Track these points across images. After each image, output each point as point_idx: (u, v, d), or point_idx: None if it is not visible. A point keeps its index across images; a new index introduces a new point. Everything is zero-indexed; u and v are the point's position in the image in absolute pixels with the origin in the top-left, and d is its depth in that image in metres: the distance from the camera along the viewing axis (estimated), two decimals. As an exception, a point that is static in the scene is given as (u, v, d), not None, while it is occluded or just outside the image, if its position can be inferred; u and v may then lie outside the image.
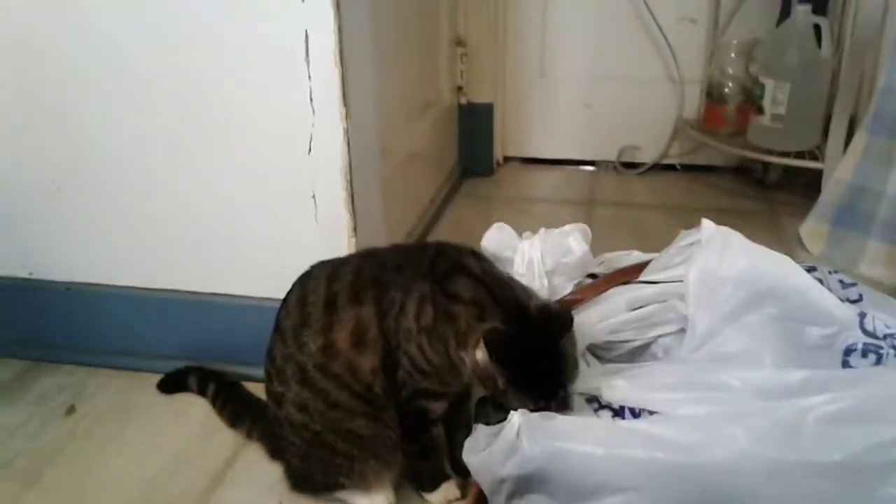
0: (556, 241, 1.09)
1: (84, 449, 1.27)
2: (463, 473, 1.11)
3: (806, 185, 2.22)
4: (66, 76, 1.32)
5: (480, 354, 0.95)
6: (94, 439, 1.29)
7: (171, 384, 1.40)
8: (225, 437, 1.29)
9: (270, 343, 1.11)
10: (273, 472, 1.19)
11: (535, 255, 1.10)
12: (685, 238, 1.07)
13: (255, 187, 1.33)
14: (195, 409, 1.35)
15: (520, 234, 1.13)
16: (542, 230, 1.12)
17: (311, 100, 1.25)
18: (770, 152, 2.09)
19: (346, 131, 1.26)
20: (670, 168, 2.46)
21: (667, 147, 2.41)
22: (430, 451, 1.10)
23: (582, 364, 1.03)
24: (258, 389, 1.33)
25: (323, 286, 1.07)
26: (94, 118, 1.34)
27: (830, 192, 1.87)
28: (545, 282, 1.09)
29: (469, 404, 1.15)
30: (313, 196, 1.31)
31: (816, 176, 2.09)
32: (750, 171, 2.34)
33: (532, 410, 0.95)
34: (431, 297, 1.01)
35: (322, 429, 1.06)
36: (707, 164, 2.43)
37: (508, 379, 0.95)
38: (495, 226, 1.14)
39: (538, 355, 0.95)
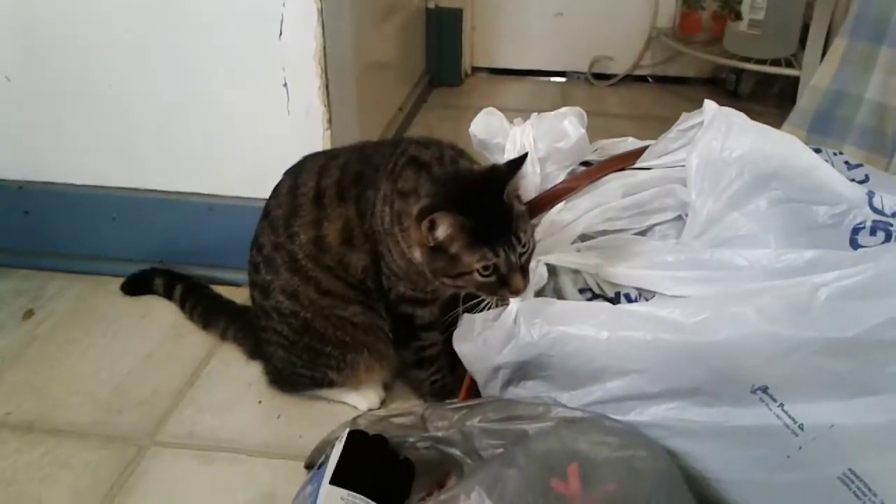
0: (550, 125, 1.03)
1: (46, 352, 1.20)
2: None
3: (779, 96, 2.20)
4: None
5: (422, 233, 0.88)
6: (56, 343, 1.22)
7: (136, 286, 1.33)
8: (197, 338, 1.23)
9: (257, 232, 1.05)
10: (251, 371, 1.15)
11: (528, 140, 1.04)
12: (685, 121, 1.02)
13: (222, 75, 1.24)
14: (163, 311, 1.29)
15: (511, 121, 1.07)
16: (535, 114, 1.05)
17: (283, -23, 1.16)
18: (746, 60, 2.06)
19: (321, 12, 1.18)
20: (642, 80, 2.41)
21: (639, 57, 2.35)
22: (424, 360, 1.05)
23: (574, 246, 0.99)
24: (226, 292, 1.28)
25: (314, 178, 1.01)
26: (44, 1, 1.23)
27: (807, 99, 1.83)
28: (538, 169, 1.04)
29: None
30: (285, 84, 1.23)
31: (789, 86, 2.08)
32: (723, 81, 2.30)
33: (491, 284, 0.89)
34: (390, 198, 0.96)
35: (313, 316, 1.01)
36: (680, 76, 2.39)
37: (462, 228, 0.86)
38: (484, 111, 1.07)
39: (483, 206, 0.88)
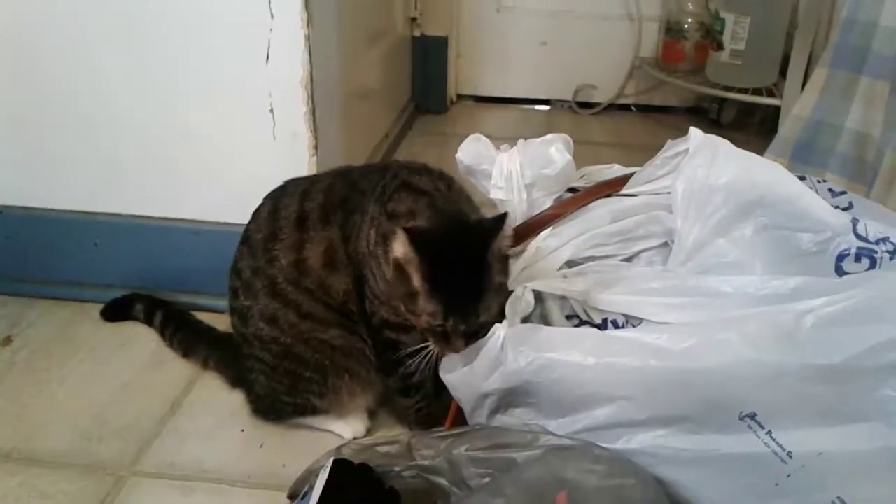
0: (536, 152, 1.03)
1: (25, 380, 1.18)
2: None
3: (760, 124, 2.23)
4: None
5: (400, 247, 0.85)
6: (35, 370, 1.20)
7: (116, 312, 1.31)
8: (178, 366, 1.21)
9: (237, 257, 1.04)
10: (233, 400, 1.13)
11: (514, 167, 1.04)
12: (671, 148, 1.02)
13: (208, 100, 1.24)
14: (144, 338, 1.27)
15: (497, 147, 1.07)
16: (521, 141, 1.06)
17: (270, 2, 1.16)
18: (728, 89, 2.08)
19: (308, 38, 1.18)
20: (626, 108, 2.44)
21: (623, 86, 2.38)
22: (410, 387, 1.04)
23: (561, 272, 0.99)
24: (209, 318, 1.27)
25: (296, 202, 1.01)
26: (31, 22, 1.22)
27: (789, 127, 1.85)
28: (524, 195, 1.04)
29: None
30: (271, 110, 1.23)
31: (771, 115, 2.10)
32: (705, 110, 2.33)
33: (436, 332, 0.89)
34: (377, 220, 0.95)
35: (293, 341, 1.00)
36: (663, 105, 2.42)
37: (425, 275, 0.85)
38: (471, 137, 1.07)
39: (460, 262, 0.86)
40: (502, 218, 0.88)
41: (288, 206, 1.01)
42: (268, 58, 1.19)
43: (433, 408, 1.05)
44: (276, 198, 1.04)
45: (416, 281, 0.87)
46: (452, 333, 0.88)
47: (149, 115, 1.25)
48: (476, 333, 0.89)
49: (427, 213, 0.91)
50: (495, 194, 1.05)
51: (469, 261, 0.86)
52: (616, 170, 1.10)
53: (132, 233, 1.33)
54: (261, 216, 1.03)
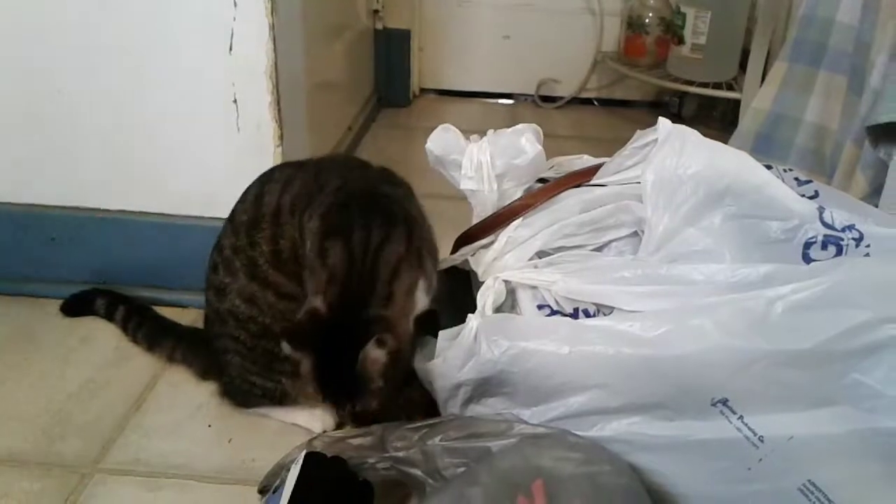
0: (507, 142, 1.03)
1: (-20, 378, 1.14)
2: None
3: (721, 118, 2.26)
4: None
5: (286, 347, 0.90)
6: (-9, 368, 1.17)
7: (76, 307, 1.28)
8: (142, 361, 1.19)
9: (221, 234, 1.03)
10: (200, 393, 1.11)
11: (485, 157, 1.03)
12: (640, 139, 1.03)
13: (169, 91, 1.21)
14: (105, 333, 1.24)
15: (466, 138, 1.07)
16: (491, 131, 1.05)
17: (234, -9, 1.14)
18: (689, 83, 2.10)
19: (272, 27, 1.16)
20: (588, 102, 2.45)
21: (585, 80, 2.39)
22: None
23: (532, 262, 0.99)
24: (171, 313, 1.25)
25: (277, 191, 0.99)
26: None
27: (749, 121, 1.88)
28: (495, 186, 1.03)
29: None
30: (235, 100, 1.21)
31: (731, 109, 2.14)
32: (666, 104, 2.35)
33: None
34: (316, 236, 0.93)
35: (272, 321, 0.98)
36: (624, 99, 2.43)
37: (310, 362, 0.89)
38: (441, 127, 1.06)
39: (337, 364, 0.88)
40: (372, 340, 0.87)
41: (271, 192, 1.00)
42: (231, 47, 1.16)
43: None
44: (264, 182, 1.02)
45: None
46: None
47: (108, 106, 1.22)
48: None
49: (334, 292, 0.89)
50: (465, 185, 1.05)
51: (346, 363, 0.87)
52: (585, 160, 1.10)
53: (91, 227, 1.29)
54: (248, 199, 1.02)
